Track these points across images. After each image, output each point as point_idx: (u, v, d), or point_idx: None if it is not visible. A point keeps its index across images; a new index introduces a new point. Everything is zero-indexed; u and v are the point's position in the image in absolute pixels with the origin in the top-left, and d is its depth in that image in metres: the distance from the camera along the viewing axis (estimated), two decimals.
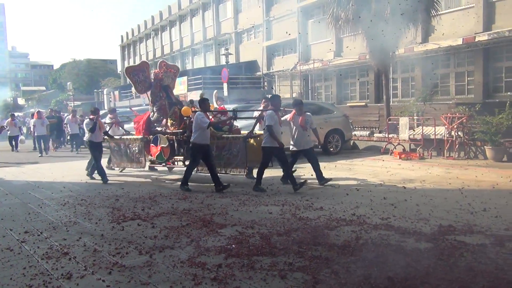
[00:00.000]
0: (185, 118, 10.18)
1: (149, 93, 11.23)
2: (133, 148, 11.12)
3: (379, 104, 18.84)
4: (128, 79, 11.45)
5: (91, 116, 10.98)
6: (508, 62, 15.67)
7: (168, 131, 10.61)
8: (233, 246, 5.16)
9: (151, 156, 10.81)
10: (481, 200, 7.18)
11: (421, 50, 17.66)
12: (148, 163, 11.38)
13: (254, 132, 9.84)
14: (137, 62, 53.08)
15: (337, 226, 5.89)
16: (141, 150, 10.94)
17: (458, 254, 4.63)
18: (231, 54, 27.80)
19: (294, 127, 9.14)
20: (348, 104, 21.52)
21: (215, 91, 12.85)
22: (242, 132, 10.31)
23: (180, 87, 29.83)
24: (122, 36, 59.47)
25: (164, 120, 10.91)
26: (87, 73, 64.34)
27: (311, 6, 25.34)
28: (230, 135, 9.84)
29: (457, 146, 12.58)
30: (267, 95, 12.73)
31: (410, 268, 4.26)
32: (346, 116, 15.23)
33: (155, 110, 11.00)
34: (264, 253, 4.85)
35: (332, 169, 11.32)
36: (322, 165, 11.67)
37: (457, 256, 4.57)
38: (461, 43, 15.97)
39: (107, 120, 12.97)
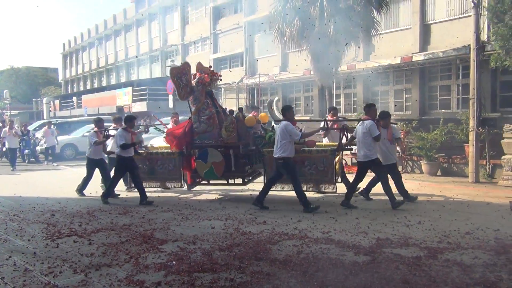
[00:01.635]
0: (248, 129, 9.27)
1: (190, 99, 9.59)
2: (166, 165, 9.72)
3: (323, 119, 19.28)
4: (172, 83, 9.70)
5: (114, 125, 10.23)
6: (442, 81, 16.55)
7: (223, 144, 9.21)
8: (174, 262, 5.05)
9: (187, 173, 9.73)
10: (417, 213, 7.48)
11: (362, 68, 18.30)
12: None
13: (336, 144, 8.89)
14: (79, 71, 51.82)
15: (279, 241, 5.92)
16: (178, 168, 9.64)
17: (394, 266, 4.78)
18: (177, 66, 27.55)
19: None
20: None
21: (276, 98, 11.51)
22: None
23: (124, 98, 29.24)
24: (64, 44, 57.46)
25: (213, 130, 9.37)
26: (25, 81, 61.50)
27: (258, 21, 25.65)
28: (313, 148, 8.77)
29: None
30: (332, 106, 12.23)
31: (348, 282, 4.35)
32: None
33: (201, 120, 9.40)
34: (205, 270, 4.78)
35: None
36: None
37: (393, 269, 4.71)
38: (400, 62, 16.69)
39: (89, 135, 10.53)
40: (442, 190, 9.72)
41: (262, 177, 9.41)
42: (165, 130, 11.14)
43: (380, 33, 15.77)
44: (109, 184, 9.35)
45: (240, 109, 9.85)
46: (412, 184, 10.74)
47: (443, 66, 16.27)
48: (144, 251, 5.55)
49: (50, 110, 42.49)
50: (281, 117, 8.64)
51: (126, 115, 9.86)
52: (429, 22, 16.82)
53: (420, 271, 4.64)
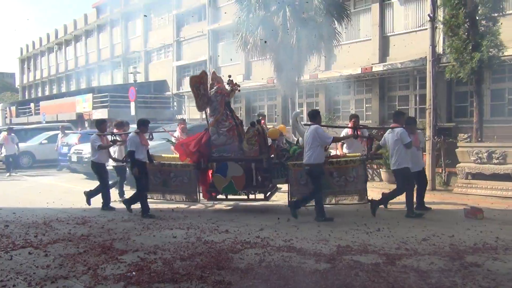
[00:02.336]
0: (272, 141, 8.91)
1: (208, 110, 9.15)
2: (180, 178, 9.11)
3: (287, 127, 19.43)
4: (192, 92, 9.11)
5: (116, 130, 9.77)
6: (401, 91, 17.06)
7: (244, 157, 8.78)
8: (134, 273, 4.96)
9: (202, 187, 9.22)
10: (376, 220, 7.65)
11: (324, 77, 18.61)
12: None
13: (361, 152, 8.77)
14: (38, 76, 50.29)
15: (242, 249, 5.92)
16: (193, 181, 9.09)
17: (354, 273, 4.86)
18: (139, 72, 27.23)
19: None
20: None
21: (298, 110, 10.52)
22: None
23: (84, 105, 28.58)
24: (21, 49, 55.66)
25: (233, 143, 8.94)
26: None
27: (222, 29, 25.72)
28: (341, 159, 8.59)
29: None
30: (354, 113, 11.81)
31: None
32: None
33: (220, 131, 8.91)
34: (166, 280, 4.72)
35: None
36: None
37: (353, 276, 4.79)
38: (360, 72, 17.10)
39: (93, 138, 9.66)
40: (400, 198, 9.93)
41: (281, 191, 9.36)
42: (172, 138, 10.78)
43: (341, 44, 16.12)
44: (141, 198, 8.49)
45: (258, 121, 9.34)
46: (372, 192, 10.96)
47: (401, 77, 16.78)
48: (103, 262, 5.42)
49: (6, 117, 41.01)
50: (305, 131, 8.32)
51: (139, 119, 9.27)
52: (388, 34, 17.33)
53: (378, 277, 4.74)
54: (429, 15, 11.88)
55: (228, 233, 6.88)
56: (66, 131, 19.24)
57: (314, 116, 7.99)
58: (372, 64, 17.03)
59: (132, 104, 22.93)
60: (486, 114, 13.56)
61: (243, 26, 15.61)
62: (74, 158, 15.40)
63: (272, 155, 8.93)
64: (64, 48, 45.10)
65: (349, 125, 9.54)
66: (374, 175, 13.40)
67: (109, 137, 9.70)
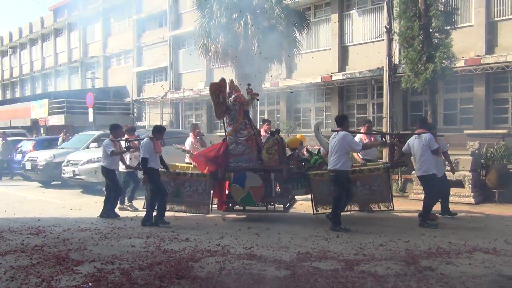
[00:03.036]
0: (292, 151, 8.72)
1: (226, 119, 8.89)
2: (194, 187, 8.75)
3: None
4: (211, 100, 8.77)
5: (126, 136, 9.42)
6: (359, 100, 17.47)
7: (264, 167, 8.48)
8: (90, 284, 4.83)
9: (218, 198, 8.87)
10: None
11: (285, 85, 18.82)
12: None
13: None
14: None
15: (202, 257, 5.87)
16: (208, 191, 8.75)
17: (313, 280, 4.91)
18: (98, 78, 26.64)
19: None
20: (217, 134, 21.91)
21: (319, 120, 9.86)
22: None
23: (39, 111, 27.66)
24: None
25: (251, 153, 8.64)
26: None
27: (183, 36, 25.59)
28: (365, 167, 8.45)
29: None
30: (368, 118, 11.47)
31: None
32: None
33: (239, 141, 8.62)
34: None
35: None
36: None
37: (312, 282, 4.85)
38: (320, 80, 17.40)
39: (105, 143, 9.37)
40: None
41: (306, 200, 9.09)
42: (186, 149, 10.39)
43: (302, 53, 16.38)
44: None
45: (277, 131, 9.10)
46: None
47: (360, 86, 17.20)
48: (57, 273, 5.24)
49: None
50: (327, 141, 8.25)
51: (155, 125, 9.09)
52: (347, 44, 17.74)
53: (337, 283, 4.81)
54: (385, 26, 12.27)
55: (188, 242, 6.81)
56: (7, 138, 18.45)
57: (341, 121, 7.77)
58: (331, 73, 17.37)
59: (90, 110, 22.41)
60: (439, 122, 14.08)
61: (205, 33, 15.61)
62: (28, 166, 14.87)
63: (292, 166, 8.70)
64: (19, 52, 43.58)
65: (362, 131, 9.48)
66: None
67: (122, 143, 9.49)
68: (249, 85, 9.14)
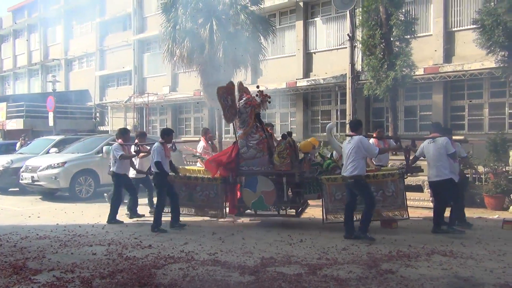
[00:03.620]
0: (304, 155, 8.42)
1: (236, 122, 8.75)
2: (207, 192, 8.63)
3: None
4: (219, 103, 8.67)
5: (137, 141, 9.29)
6: (323, 106, 17.76)
7: (275, 171, 8.26)
8: None
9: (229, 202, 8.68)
10: (299, 231, 7.82)
11: (251, 90, 18.85)
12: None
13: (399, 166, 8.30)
14: None
15: (165, 264, 5.80)
16: (220, 195, 8.60)
17: (277, 285, 4.94)
18: (59, 81, 25.95)
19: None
20: (182, 139, 21.76)
21: (332, 122, 9.36)
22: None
23: None
24: None
25: (263, 156, 8.43)
26: None
27: (148, 40, 25.32)
28: (378, 173, 8.05)
29: None
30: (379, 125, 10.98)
31: None
32: (180, 151, 15.32)
33: (250, 144, 8.42)
34: None
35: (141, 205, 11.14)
36: (155, 200, 11.53)
37: (276, 287, 4.87)
38: (285, 86, 17.57)
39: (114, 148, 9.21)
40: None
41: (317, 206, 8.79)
42: (198, 154, 10.25)
43: (267, 59, 16.50)
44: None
45: (289, 133, 8.87)
46: None
47: (324, 92, 17.48)
48: (14, 283, 5.06)
49: None
50: (340, 144, 8.06)
51: (163, 128, 9.02)
52: (311, 51, 18.02)
53: (300, 287, 4.86)
54: (348, 34, 12.55)
55: (152, 248, 6.71)
56: None
57: (356, 126, 7.54)
58: (296, 79, 17.58)
59: (51, 115, 21.82)
60: (400, 129, 14.48)
61: (170, 37, 15.50)
62: None
63: (304, 169, 8.47)
64: None
65: (374, 135, 9.25)
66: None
67: (132, 148, 9.41)
68: (258, 87, 9.15)
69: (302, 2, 17.99)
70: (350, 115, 12.42)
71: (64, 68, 31.67)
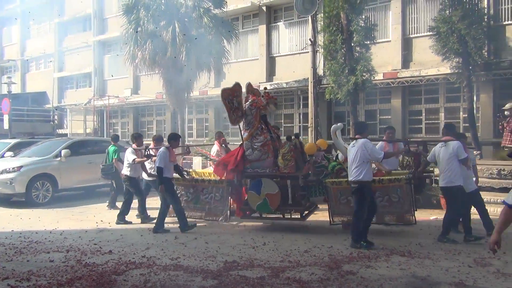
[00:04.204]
0: (308, 157, 8.18)
1: (242, 124, 8.62)
2: (212, 194, 8.59)
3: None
4: (224, 106, 8.56)
5: (153, 145, 9.19)
6: (286, 109, 17.92)
7: (279, 174, 8.12)
8: None
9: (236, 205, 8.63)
10: (262, 234, 7.86)
11: (214, 94, 18.83)
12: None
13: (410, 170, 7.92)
14: None
15: (126, 270, 5.70)
16: (225, 198, 8.50)
17: None
18: (14, 83, 25.05)
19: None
20: (144, 142, 21.44)
21: (339, 124, 8.72)
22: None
23: None
24: None
25: (267, 159, 8.29)
26: None
27: (108, 41, 24.83)
28: (385, 178, 7.68)
29: None
30: (390, 125, 10.40)
31: None
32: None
33: (254, 146, 8.31)
34: None
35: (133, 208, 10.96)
36: (117, 205, 11.31)
37: None
38: None
39: (128, 152, 9.45)
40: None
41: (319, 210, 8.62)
42: (209, 156, 10.15)
43: (231, 62, 16.52)
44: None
45: (297, 135, 8.76)
46: None
47: (287, 95, 17.65)
48: None
49: None
50: (345, 145, 7.72)
51: (170, 133, 9.10)
52: (274, 55, 18.17)
53: None
54: (310, 39, 12.71)
55: (112, 254, 6.58)
56: None
57: (360, 129, 7.30)
58: (259, 82, 17.62)
59: (6, 117, 21.00)
60: None
61: (131, 39, 15.28)
62: None
63: (309, 172, 8.29)
64: None
65: (384, 138, 8.92)
66: None
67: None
68: (265, 88, 9.12)
69: (265, 7, 18.11)
70: (312, 118, 12.57)
71: (21, 69, 30.61)
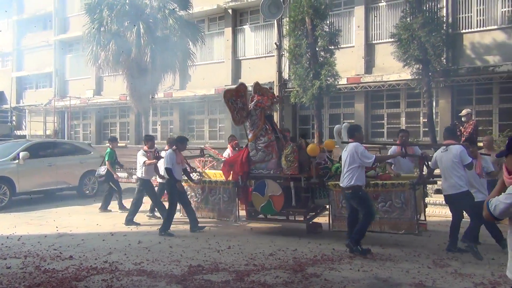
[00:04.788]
0: (311, 159, 7.83)
1: (247, 124, 8.52)
2: (220, 195, 8.64)
3: (139, 146, 18.98)
4: (226, 106, 8.56)
5: (167, 147, 9.34)
6: None
7: (283, 175, 7.95)
8: None
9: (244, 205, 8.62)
10: (227, 238, 7.83)
11: (179, 96, 18.70)
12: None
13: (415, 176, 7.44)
14: None
15: (87, 276, 5.56)
16: (233, 199, 8.51)
17: None
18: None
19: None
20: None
21: (345, 123, 8.51)
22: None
23: None
24: None
25: (272, 160, 8.14)
26: None
27: (70, 41, 24.21)
28: (388, 182, 7.21)
29: None
30: (402, 128, 9.91)
31: None
32: (103, 157, 14.77)
33: (259, 147, 8.22)
34: None
35: (87, 213, 10.71)
36: (77, 209, 11.07)
37: None
38: (214, 93, 17.57)
39: (139, 154, 9.56)
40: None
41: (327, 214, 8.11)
42: (219, 158, 10.12)
43: (196, 64, 16.44)
44: (167, 214, 8.43)
45: (303, 136, 8.48)
46: None
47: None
48: None
49: None
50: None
51: (178, 136, 9.42)
52: (240, 58, 18.19)
53: None
54: (276, 43, 12.82)
55: (72, 259, 6.40)
56: None
57: (352, 132, 7.04)
58: (225, 85, 17.61)
59: None
60: (325, 136, 14.99)
61: (94, 39, 14.97)
62: None
63: (312, 174, 7.99)
64: None
65: (397, 142, 8.37)
66: None
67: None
68: (270, 88, 9.04)
69: (230, 10, 18.12)
70: (277, 122, 12.66)
71: None
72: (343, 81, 14.06)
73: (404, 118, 14.75)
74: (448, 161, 6.59)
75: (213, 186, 8.85)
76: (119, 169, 11.71)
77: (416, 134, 13.75)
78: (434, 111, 13.18)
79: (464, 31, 13.76)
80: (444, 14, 13.26)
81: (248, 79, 17.38)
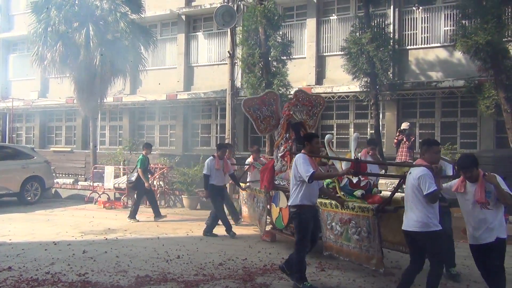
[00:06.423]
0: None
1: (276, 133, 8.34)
2: (259, 203, 8.69)
3: (86, 151, 18.40)
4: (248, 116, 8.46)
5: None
6: (204, 120, 17.88)
7: (285, 187, 7.49)
8: None
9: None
10: (176, 247, 7.72)
11: (129, 101, 18.31)
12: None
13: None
14: None
15: None
16: (264, 208, 8.34)
17: None
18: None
19: (466, 202, 4.71)
20: (52, 149, 20.20)
21: (329, 135, 7.62)
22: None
23: None
24: None
25: (287, 170, 7.61)
26: None
27: (14, 40, 23.15)
28: (356, 204, 5.81)
29: (158, 195, 13.31)
30: (372, 138, 9.30)
31: None
32: (48, 162, 14.22)
33: (278, 156, 8.06)
34: None
35: (29, 220, 10.24)
36: (18, 216, 10.57)
37: None
38: (165, 98, 17.34)
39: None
40: (200, 224, 10.22)
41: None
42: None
43: (147, 69, 16.17)
44: (212, 218, 9.01)
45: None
46: (174, 217, 11.12)
47: (204, 106, 17.63)
48: None
49: None
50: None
51: (219, 143, 9.66)
52: (193, 65, 18.08)
53: None
54: (228, 51, 12.85)
55: (11, 271, 6.09)
56: None
57: (301, 141, 6.37)
58: (177, 91, 17.48)
59: None
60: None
61: (40, 39, 14.39)
62: None
63: None
64: None
65: (361, 155, 7.61)
66: (176, 201, 13.60)
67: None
68: (301, 90, 8.96)
69: (184, 16, 17.99)
70: (229, 130, 12.67)
71: None
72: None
73: (352, 129, 15.15)
74: (408, 187, 4.78)
75: (253, 194, 9.05)
76: (150, 177, 11.30)
77: (363, 145, 14.13)
78: (380, 123, 13.64)
79: (409, 47, 14.37)
80: (391, 31, 13.81)
81: (201, 86, 17.38)
